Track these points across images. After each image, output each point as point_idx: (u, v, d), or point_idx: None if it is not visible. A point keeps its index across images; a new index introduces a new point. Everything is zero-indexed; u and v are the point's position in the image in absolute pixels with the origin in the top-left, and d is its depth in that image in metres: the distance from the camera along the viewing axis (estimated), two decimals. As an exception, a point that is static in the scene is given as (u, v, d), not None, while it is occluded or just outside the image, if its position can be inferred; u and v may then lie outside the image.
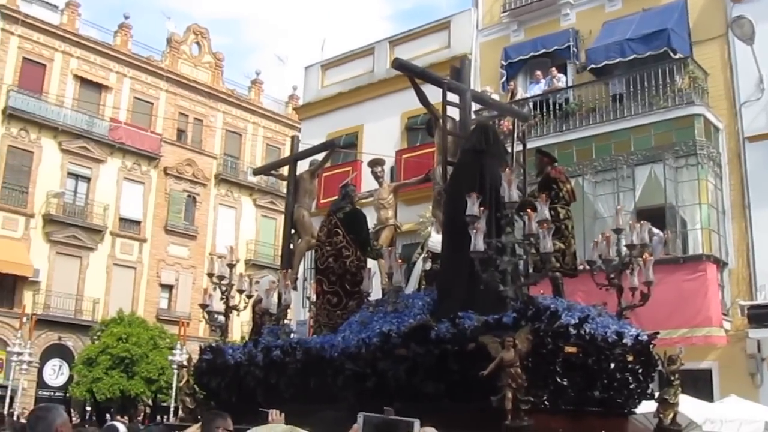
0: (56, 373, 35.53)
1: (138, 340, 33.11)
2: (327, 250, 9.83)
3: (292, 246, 11.60)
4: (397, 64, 9.81)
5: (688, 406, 12.44)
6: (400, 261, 8.78)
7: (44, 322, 35.61)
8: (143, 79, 41.96)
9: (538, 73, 20.39)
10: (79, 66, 39.38)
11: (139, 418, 26.57)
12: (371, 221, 11.12)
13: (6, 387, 29.62)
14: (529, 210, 7.05)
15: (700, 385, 15.96)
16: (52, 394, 34.93)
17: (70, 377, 34.55)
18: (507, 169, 7.35)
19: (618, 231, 8.35)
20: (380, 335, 7.64)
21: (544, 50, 20.68)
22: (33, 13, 37.90)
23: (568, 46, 20.13)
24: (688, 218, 17.05)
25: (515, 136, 10.56)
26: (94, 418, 22.34)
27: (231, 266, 10.81)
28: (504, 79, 21.14)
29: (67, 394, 32.92)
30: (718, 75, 18.06)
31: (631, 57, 18.36)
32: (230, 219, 44.43)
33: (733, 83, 17.92)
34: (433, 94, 9.48)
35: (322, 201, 20.74)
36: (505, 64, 21.20)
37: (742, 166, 17.56)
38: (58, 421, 4.62)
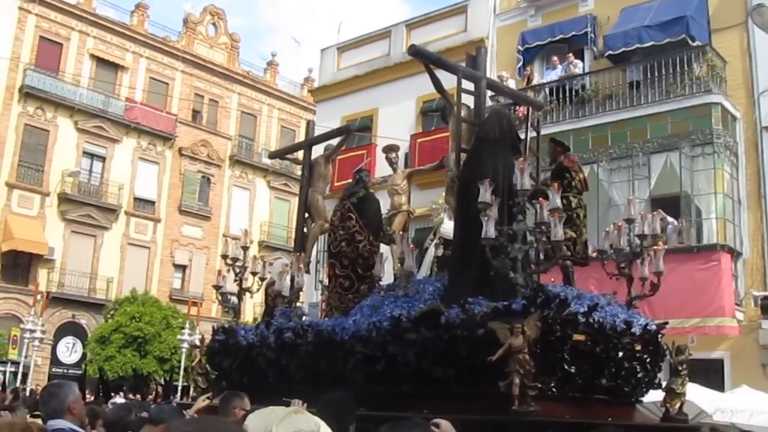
0: (70, 351, 35.87)
1: (151, 319, 33.34)
2: (340, 235, 9.85)
3: (305, 230, 11.64)
4: (413, 51, 9.79)
5: (698, 395, 12.42)
6: (411, 246, 8.78)
7: (58, 300, 35.91)
8: (159, 59, 42.02)
9: (555, 58, 20.26)
10: (96, 45, 39.47)
11: (151, 397, 26.79)
12: (385, 206, 11.16)
13: (19, 363, 29.87)
14: (541, 198, 7.07)
15: (712, 374, 15.93)
16: (65, 371, 35.27)
17: (84, 355, 34.84)
18: (520, 158, 7.35)
19: (629, 221, 8.32)
20: (391, 319, 7.68)
21: (561, 36, 20.54)
22: (50, -9, 37.98)
23: (586, 32, 19.98)
24: (703, 207, 16.96)
25: (528, 123, 10.53)
26: (101, 395, 22.62)
27: (245, 248, 10.88)
28: (520, 64, 21.05)
29: (81, 372, 33.27)
30: (736, 63, 17.90)
31: (649, 44, 18.21)
32: (244, 200, 44.55)
33: (751, 72, 17.76)
34: (449, 80, 9.46)
35: (336, 184, 20.74)
36: (521, 49, 21.09)
37: (759, 155, 17.42)
38: (70, 398, 4.68)
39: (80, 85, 38.40)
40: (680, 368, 7.79)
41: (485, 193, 6.98)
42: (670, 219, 16.98)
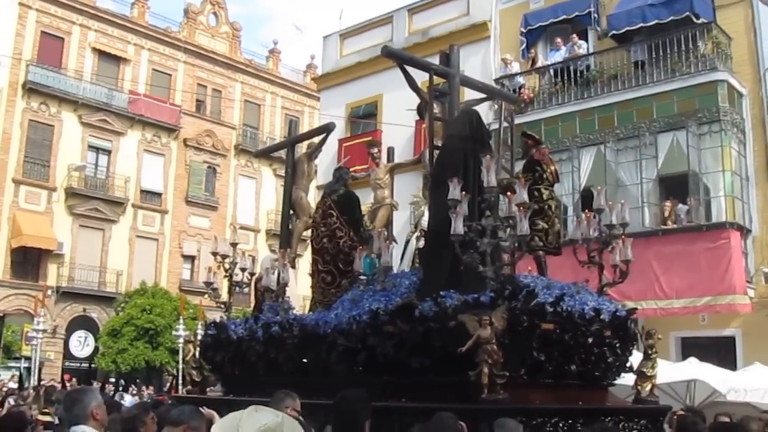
0: (82, 345, 36.00)
1: (162, 311, 33.47)
2: (322, 231, 10.24)
3: (291, 226, 11.99)
4: (386, 52, 10.03)
5: (711, 375, 12.46)
6: (388, 242, 9.07)
7: (69, 295, 36.05)
8: (161, 50, 41.94)
9: (559, 40, 20.15)
10: (97, 39, 39.40)
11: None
12: (369, 200, 11.59)
13: (31, 359, 29.93)
14: (509, 193, 7.30)
15: (724, 352, 15.97)
16: (78, 365, 35.47)
17: (96, 348, 35.01)
18: (488, 155, 7.56)
19: (599, 211, 8.46)
20: (370, 313, 7.96)
21: (564, 16, 20.37)
22: (50, -14, 37.92)
23: (589, 12, 19.83)
24: (711, 185, 16.91)
25: (502, 117, 10.74)
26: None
27: (234, 245, 11.18)
28: (524, 46, 20.92)
29: (92, 365, 33.46)
30: (741, 40, 17.78)
31: (653, 22, 18.07)
32: (250, 189, 44.54)
33: (757, 48, 17.64)
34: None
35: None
36: (524, 31, 20.95)
37: (766, 132, 17.35)
38: (93, 404, 4.71)
39: (83, 79, 38.34)
40: (650, 352, 8.06)
41: (454, 190, 7.22)
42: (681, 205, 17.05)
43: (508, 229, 7.32)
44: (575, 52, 19.57)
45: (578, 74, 19.06)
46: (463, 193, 7.26)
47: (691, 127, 16.84)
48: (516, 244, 7.32)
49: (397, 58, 10.03)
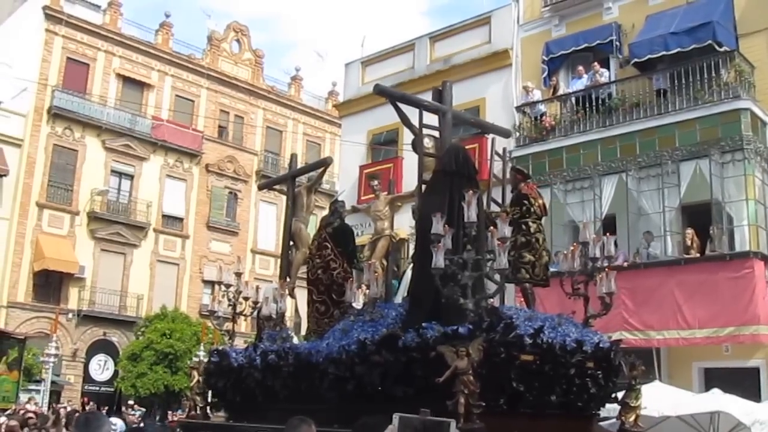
0: (101, 369, 36.10)
1: (182, 335, 33.45)
2: (316, 263, 10.65)
3: (290, 257, 12.21)
4: (378, 90, 10.21)
5: (736, 407, 12.28)
6: (377, 274, 9.39)
7: (89, 318, 36.22)
8: (184, 77, 42.33)
9: (581, 68, 20.12)
10: (122, 65, 39.85)
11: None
12: (369, 231, 11.92)
13: (54, 383, 30.03)
14: (492, 228, 7.63)
15: (747, 384, 15.74)
16: (98, 389, 35.52)
17: (116, 372, 35.05)
18: (471, 190, 7.74)
19: (585, 244, 8.69)
20: (357, 343, 8.23)
21: (586, 45, 20.37)
22: (76, 13, 38.42)
23: (611, 41, 19.82)
24: (735, 214, 16.78)
25: (493, 152, 10.90)
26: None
27: (238, 274, 11.51)
28: (545, 74, 20.92)
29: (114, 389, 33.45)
30: (764, 68, 17.69)
31: (675, 50, 18.02)
32: (271, 215, 44.58)
33: (780, 76, 17.57)
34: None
35: (362, 198, 20.91)
36: (546, 59, 20.95)
37: (790, 161, 17.22)
38: (105, 428, 4.72)
39: (107, 104, 38.77)
40: (634, 383, 8.25)
41: (437, 225, 7.45)
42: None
43: (492, 262, 7.55)
44: (597, 80, 19.55)
45: (600, 102, 19.02)
46: (446, 226, 7.47)
47: (713, 156, 16.73)
48: (506, 276, 7.53)
49: (388, 95, 10.21)
